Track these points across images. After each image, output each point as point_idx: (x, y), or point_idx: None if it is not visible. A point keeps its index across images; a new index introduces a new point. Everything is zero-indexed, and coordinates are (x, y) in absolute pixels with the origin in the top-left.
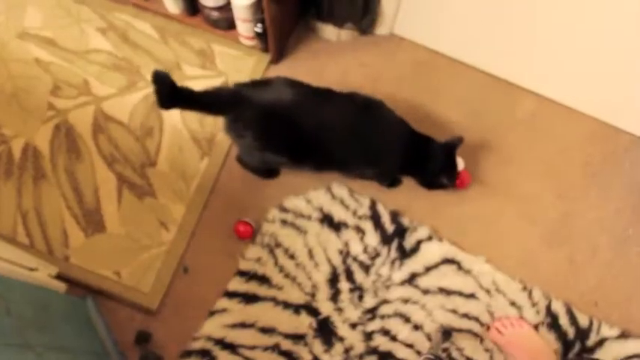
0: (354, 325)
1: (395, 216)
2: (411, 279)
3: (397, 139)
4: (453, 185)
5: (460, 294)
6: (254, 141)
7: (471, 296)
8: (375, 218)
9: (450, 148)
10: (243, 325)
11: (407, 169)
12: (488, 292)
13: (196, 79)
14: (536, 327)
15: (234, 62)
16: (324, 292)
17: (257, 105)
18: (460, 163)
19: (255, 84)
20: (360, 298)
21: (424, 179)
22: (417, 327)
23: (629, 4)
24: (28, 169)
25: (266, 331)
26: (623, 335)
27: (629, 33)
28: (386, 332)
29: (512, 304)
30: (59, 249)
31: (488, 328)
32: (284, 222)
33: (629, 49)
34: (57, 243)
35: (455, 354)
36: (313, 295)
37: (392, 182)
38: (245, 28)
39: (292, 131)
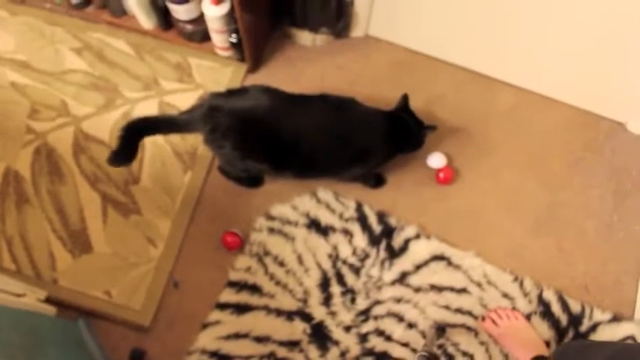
0: (348, 328)
1: (381, 216)
2: (402, 278)
3: (378, 129)
4: (434, 128)
5: (452, 289)
6: (233, 150)
7: (463, 291)
8: (362, 220)
9: (406, 105)
10: (237, 336)
11: (397, 149)
12: (479, 285)
13: (174, 93)
14: (529, 316)
15: (211, 74)
16: (315, 297)
17: (233, 113)
18: (443, 160)
19: (231, 93)
20: (353, 300)
21: (413, 145)
22: (411, 325)
23: None
24: (11, 195)
25: (260, 340)
26: (615, 319)
27: (603, 20)
28: (380, 333)
29: (505, 295)
30: (47, 272)
31: (483, 318)
32: (271, 230)
33: (604, 36)
34: (44, 266)
35: (450, 349)
36: (305, 301)
37: (376, 182)
38: (220, 39)
39: (271, 138)
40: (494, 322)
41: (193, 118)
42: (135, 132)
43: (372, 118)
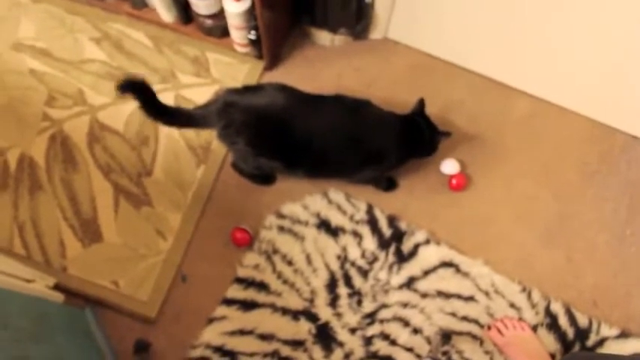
0: (353, 330)
1: (392, 220)
2: (410, 283)
3: (392, 132)
4: (448, 135)
5: (459, 297)
6: (246, 146)
7: (470, 299)
8: (372, 223)
9: (422, 110)
10: (242, 332)
11: (411, 153)
12: (487, 294)
13: (191, 87)
14: (535, 328)
15: (228, 69)
16: (322, 298)
17: (248, 110)
18: (456, 166)
19: (247, 89)
20: (359, 302)
21: (426, 151)
22: (416, 331)
23: (621, 5)
24: (24, 181)
25: (265, 337)
26: (623, 334)
27: (622, 33)
28: (385, 336)
29: (512, 305)
30: (56, 260)
31: (488, 327)
32: (281, 228)
33: (622, 49)
34: (54, 254)
35: (455, 357)
36: (312, 301)
37: (388, 186)
38: (239, 35)
39: (284, 136)
40: (499, 331)
41: (208, 113)
42: (151, 103)
43: (386, 121)
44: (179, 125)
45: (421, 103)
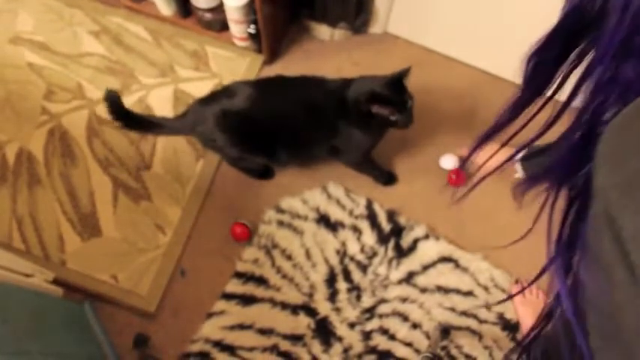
0: (352, 325)
1: (391, 215)
2: (409, 278)
3: (337, 102)
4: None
5: (458, 292)
6: (227, 147)
7: (469, 294)
8: (372, 217)
9: (400, 78)
10: (241, 327)
11: (367, 121)
12: (486, 289)
13: (190, 81)
14: None
15: (227, 63)
16: (321, 293)
17: (214, 112)
18: (455, 162)
19: (213, 94)
20: (358, 297)
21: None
22: (415, 325)
23: None
24: (23, 175)
25: (264, 332)
26: None
27: None
28: (384, 331)
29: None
30: (55, 254)
31: (516, 281)
32: (280, 223)
33: None
34: (53, 248)
35: (454, 352)
36: (311, 296)
37: (388, 180)
38: (238, 29)
39: (255, 126)
40: (522, 292)
41: (183, 126)
42: (125, 114)
43: (336, 90)
44: (155, 133)
45: (405, 69)
